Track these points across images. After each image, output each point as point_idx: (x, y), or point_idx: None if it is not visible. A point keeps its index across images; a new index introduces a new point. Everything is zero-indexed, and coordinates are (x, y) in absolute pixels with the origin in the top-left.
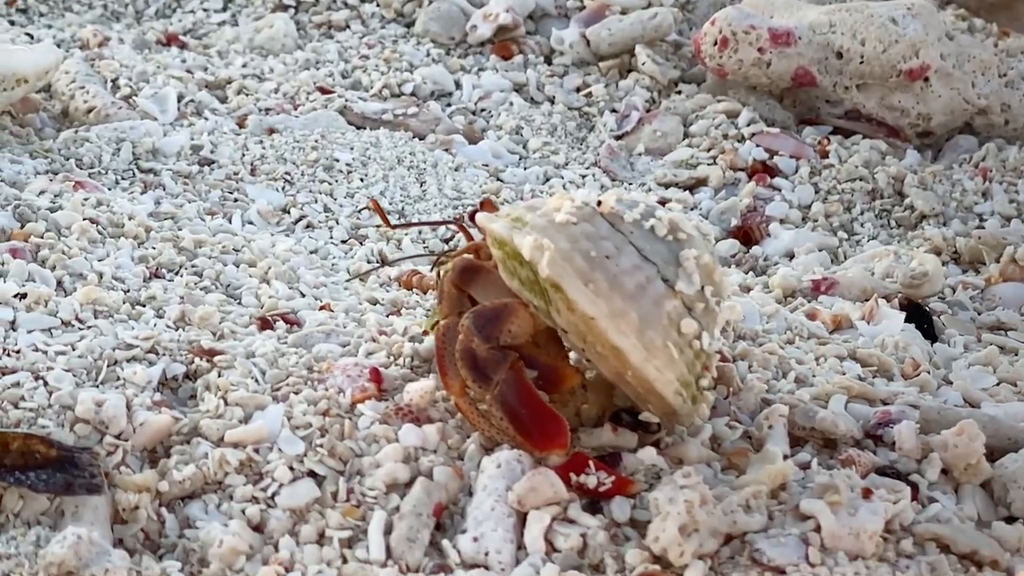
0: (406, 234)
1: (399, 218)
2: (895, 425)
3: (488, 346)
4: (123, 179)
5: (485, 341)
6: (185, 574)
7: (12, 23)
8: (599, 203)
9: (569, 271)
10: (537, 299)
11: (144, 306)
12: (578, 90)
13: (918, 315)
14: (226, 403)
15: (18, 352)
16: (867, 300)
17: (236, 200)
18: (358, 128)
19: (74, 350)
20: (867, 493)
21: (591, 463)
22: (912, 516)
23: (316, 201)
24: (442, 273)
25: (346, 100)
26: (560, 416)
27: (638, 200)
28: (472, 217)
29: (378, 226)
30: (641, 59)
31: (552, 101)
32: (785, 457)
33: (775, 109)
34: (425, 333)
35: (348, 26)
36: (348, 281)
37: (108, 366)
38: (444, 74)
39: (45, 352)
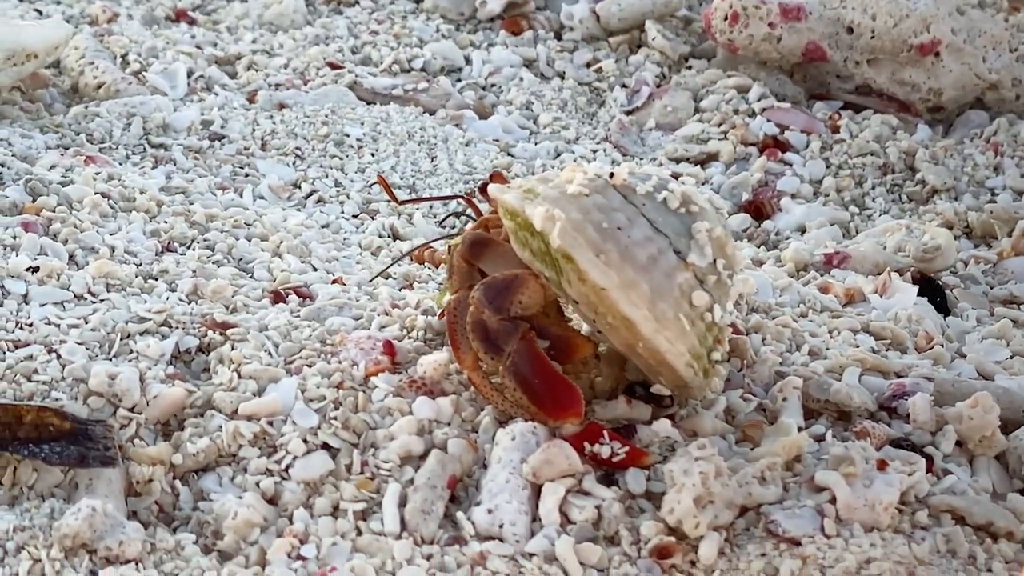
0: (417, 208)
1: (410, 193)
2: (909, 397)
3: (499, 317)
4: (134, 154)
5: (496, 312)
6: (199, 547)
7: None
8: (611, 175)
9: (580, 242)
10: (548, 270)
11: (156, 279)
12: (588, 65)
13: (931, 289)
14: (239, 376)
15: (31, 325)
16: (879, 274)
17: (247, 175)
18: (368, 103)
19: (87, 323)
20: (882, 465)
21: (605, 433)
22: (927, 488)
23: (327, 176)
24: (452, 247)
25: (356, 76)
26: (574, 385)
27: (651, 173)
28: (483, 189)
29: (388, 201)
30: (651, 34)
31: (562, 76)
32: (800, 429)
33: (785, 84)
34: (441, 316)
35: (357, 1)
36: (371, 280)
37: (121, 339)
38: (454, 49)
39: (58, 325)
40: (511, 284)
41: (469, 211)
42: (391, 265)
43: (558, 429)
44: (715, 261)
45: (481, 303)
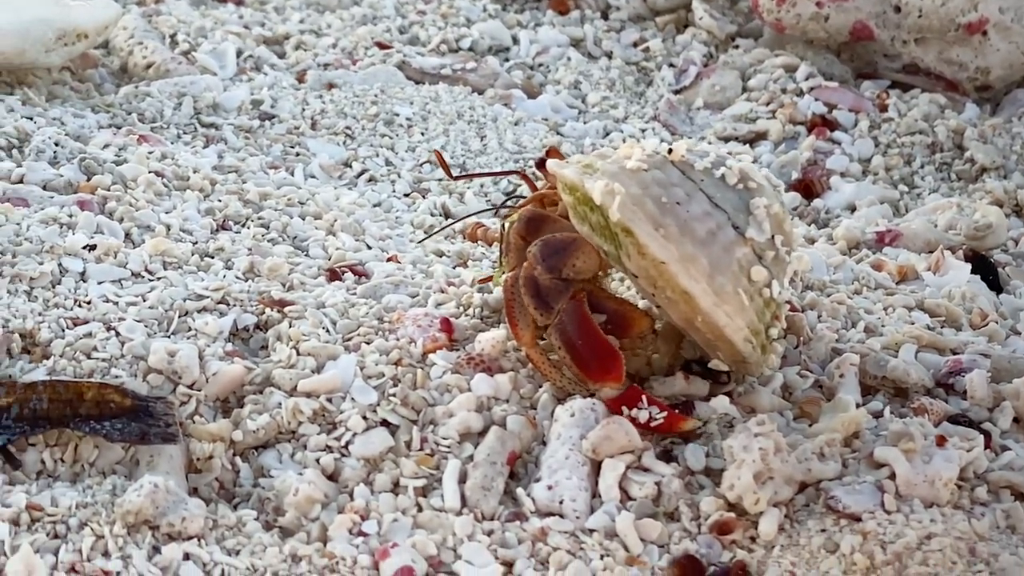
0: (468, 187)
1: (461, 172)
2: (966, 374)
3: (551, 276)
4: (185, 133)
5: (548, 272)
6: (261, 523)
7: None
8: (670, 151)
9: (640, 215)
10: (607, 244)
11: (213, 258)
12: (635, 45)
13: (983, 266)
14: (298, 353)
15: (89, 303)
16: (931, 252)
17: (298, 154)
18: (417, 83)
19: (145, 301)
20: (941, 441)
21: (644, 398)
22: (986, 464)
23: (377, 155)
24: (507, 225)
25: (404, 55)
26: (617, 350)
27: (708, 150)
28: (540, 165)
29: (441, 179)
30: (698, 14)
31: (610, 56)
32: (857, 405)
33: (833, 63)
34: (490, 280)
35: None
36: (421, 242)
37: (179, 317)
38: (501, 29)
39: (116, 303)
40: (568, 246)
41: (522, 192)
42: (441, 229)
43: (597, 392)
44: (773, 237)
45: (536, 259)
